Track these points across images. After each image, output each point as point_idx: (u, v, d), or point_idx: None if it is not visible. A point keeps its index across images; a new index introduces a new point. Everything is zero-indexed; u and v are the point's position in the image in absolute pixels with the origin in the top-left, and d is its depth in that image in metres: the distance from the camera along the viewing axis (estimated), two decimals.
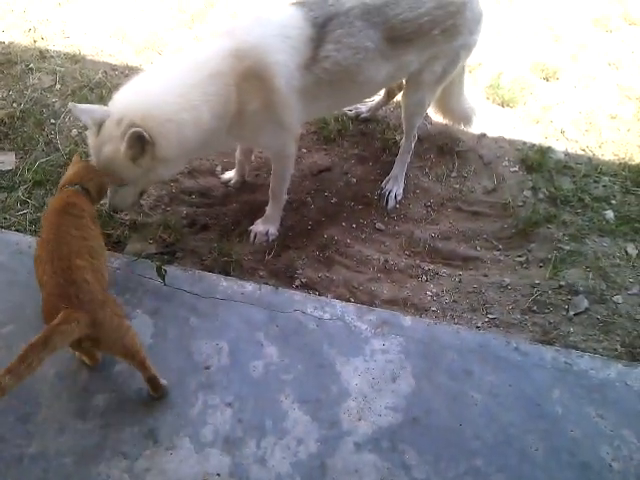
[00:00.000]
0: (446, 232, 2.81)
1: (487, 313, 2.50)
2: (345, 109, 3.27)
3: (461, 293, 2.57)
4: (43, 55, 3.52)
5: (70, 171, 2.17)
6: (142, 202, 2.73)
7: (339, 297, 2.47)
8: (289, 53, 2.23)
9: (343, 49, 2.30)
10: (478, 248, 2.76)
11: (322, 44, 2.27)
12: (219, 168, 3.02)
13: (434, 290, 2.58)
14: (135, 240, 2.61)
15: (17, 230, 2.55)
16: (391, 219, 2.86)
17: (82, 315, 1.70)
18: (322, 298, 2.41)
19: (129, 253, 2.49)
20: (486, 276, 2.64)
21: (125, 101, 2.14)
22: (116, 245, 2.56)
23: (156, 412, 1.99)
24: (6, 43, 3.58)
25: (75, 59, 3.50)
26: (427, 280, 2.62)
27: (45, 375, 2.03)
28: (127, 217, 2.68)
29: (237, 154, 2.86)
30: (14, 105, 3.19)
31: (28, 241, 2.40)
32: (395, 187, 2.90)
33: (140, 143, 2.05)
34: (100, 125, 2.12)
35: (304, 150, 3.10)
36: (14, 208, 2.69)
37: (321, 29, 2.27)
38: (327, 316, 2.30)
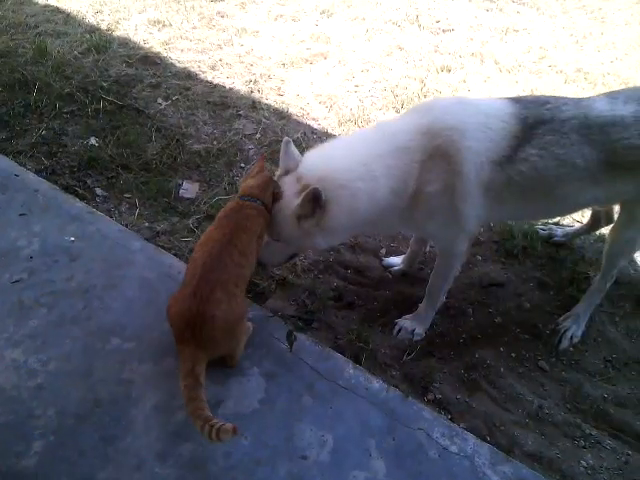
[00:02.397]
0: (623, 398, 2.30)
1: None
2: (537, 226, 2.96)
3: (624, 477, 2.04)
4: (254, 106, 3.75)
5: (255, 182, 2.09)
6: (297, 262, 2.65)
7: (473, 430, 2.09)
8: (485, 144, 2.02)
9: (547, 157, 2.04)
10: None
11: (524, 145, 2.04)
12: (383, 250, 2.86)
13: (590, 462, 2.08)
14: (278, 297, 2.51)
15: (175, 254, 2.57)
16: (559, 361, 2.43)
17: (200, 353, 1.82)
18: (454, 426, 2.04)
19: (268, 308, 2.38)
20: None
21: (310, 161, 2.10)
22: (259, 296, 2.48)
23: None
24: (226, 88, 3.90)
25: (281, 115, 3.68)
26: (585, 447, 2.13)
27: (144, 404, 1.95)
28: (278, 272, 2.61)
29: (411, 242, 2.69)
30: (214, 142, 3.40)
31: (180, 267, 2.40)
32: (574, 327, 2.48)
33: (312, 204, 1.96)
34: (286, 172, 2.11)
35: (479, 257, 2.84)
36: (180, 233, 2.76)
37: (528, 130, 2.04)
38: (454, 448, 1.93)
